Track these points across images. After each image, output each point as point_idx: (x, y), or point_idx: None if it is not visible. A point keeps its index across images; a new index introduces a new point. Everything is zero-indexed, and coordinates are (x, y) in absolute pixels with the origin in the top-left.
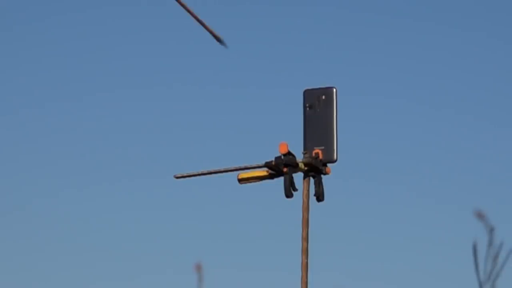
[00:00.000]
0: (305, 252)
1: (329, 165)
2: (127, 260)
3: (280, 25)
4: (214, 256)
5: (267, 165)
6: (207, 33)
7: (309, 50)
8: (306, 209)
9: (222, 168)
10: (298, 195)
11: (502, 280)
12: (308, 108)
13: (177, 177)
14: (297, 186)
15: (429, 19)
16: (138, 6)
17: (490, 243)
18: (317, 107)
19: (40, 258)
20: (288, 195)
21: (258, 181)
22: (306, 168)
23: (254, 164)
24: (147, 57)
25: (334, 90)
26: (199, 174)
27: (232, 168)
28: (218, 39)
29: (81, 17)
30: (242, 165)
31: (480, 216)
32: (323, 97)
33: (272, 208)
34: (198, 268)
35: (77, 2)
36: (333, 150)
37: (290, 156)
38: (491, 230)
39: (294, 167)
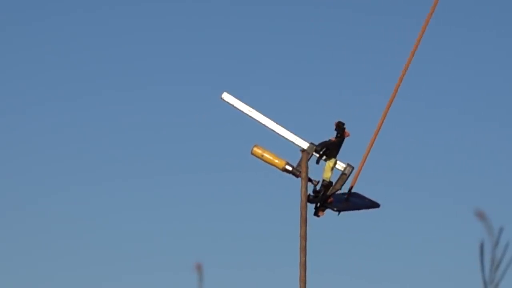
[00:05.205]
0: (304, 250)
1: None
2: (127, 259)
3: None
4: (212, 255)
5: (313, 145)
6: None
7: (309, 51)
8: (304, 207)
9: (268, 116)
10: (296, 194)
11: (505, 281)
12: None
13: (224, 98)
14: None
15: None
16: (139, 6)
17: (495, 244)
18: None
19: (40, 258)
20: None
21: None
22: (327, 177)
23: (301, 136)
24: (147, 57)
25: (379, 207)
26: (244, 107)
27: (279, 123)
28: None
29: (82, 17)
30: (289, 128)
31: (481, 216)
32: (366, 200)
33: (270, 206)
34: (199, 268)
35: (77, 2)
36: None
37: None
38: (496, 231)
39: (331, 150)
